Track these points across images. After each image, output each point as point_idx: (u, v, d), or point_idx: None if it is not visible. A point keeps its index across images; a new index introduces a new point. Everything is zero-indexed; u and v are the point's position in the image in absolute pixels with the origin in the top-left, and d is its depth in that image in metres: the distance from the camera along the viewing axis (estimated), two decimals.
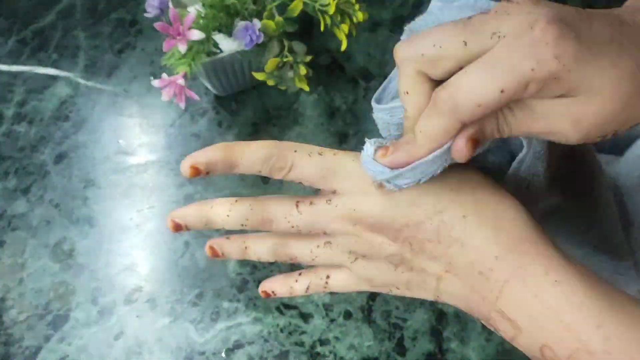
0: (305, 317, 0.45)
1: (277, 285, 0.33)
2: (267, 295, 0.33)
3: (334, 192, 0.29)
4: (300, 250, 0.31)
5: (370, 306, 0.45)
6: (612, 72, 0.22)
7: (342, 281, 0.31)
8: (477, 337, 0.43)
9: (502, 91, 0.22)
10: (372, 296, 0.46)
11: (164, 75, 0.44)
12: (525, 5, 0.22)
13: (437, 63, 0.24)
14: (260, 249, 0.31)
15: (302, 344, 0.44)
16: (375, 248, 0.29)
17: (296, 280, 0.33)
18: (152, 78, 0.44)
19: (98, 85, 0.57)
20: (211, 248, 0.32)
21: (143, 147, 0.54)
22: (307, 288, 0.32)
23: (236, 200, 0.30)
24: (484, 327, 0.43)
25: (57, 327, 0.46)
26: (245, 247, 0.31)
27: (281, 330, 0.45)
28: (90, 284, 0.48)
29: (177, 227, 0.30)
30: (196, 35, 0.43)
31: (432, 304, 0.44)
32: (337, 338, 0.44)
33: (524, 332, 0.26)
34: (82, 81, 0.57)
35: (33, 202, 0.52)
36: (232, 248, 0.32)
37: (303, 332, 0.45)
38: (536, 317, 0.25)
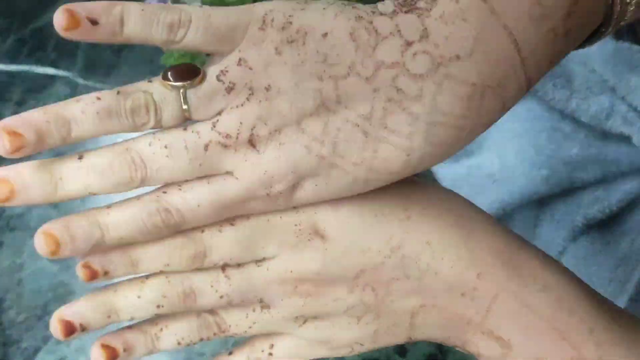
0: None
1: None
2: None
3: (261, 259, 0.24)
4: (233, 318, 0.24)
5: None
6: None
7: (291, 349, 0.25)
8: None
9: None
10: None
11: None
12: None
13: None
14: (181, 328, 0.24)
15: None
16: (329, 306, 0.24)
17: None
18: (151, 77, 0.44)
19: (97, 84, 0.57)
20: (107, 348, 0.23)
21: None
22: None
23: (147, 277, 0.24)
24: None
25: None
26: (161, 329, 0.24)
27: None
28: (89, 285, 0.47)
29: (70, 330, 0.23)
30: None
31: None
32: None
33: (516, 349, 0.23)
34: (80, 81, 0.57)
35: None
36: (140, 338, 0.24)
37: None
38: (529, 330, 0.23)
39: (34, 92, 0.56)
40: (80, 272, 0.23)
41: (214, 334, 0.25)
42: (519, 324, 0.23)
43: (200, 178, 0.23)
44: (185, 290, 0.23)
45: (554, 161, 0.42)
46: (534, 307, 0.23)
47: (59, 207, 0.51)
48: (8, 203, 0.21)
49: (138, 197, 0.23)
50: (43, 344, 0.45)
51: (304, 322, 0.24)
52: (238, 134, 0.22)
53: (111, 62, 0.57)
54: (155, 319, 0.25)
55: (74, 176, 0.22)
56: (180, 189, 0.22)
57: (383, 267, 0.23)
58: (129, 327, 0.24)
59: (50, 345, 0.45)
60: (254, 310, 0.24)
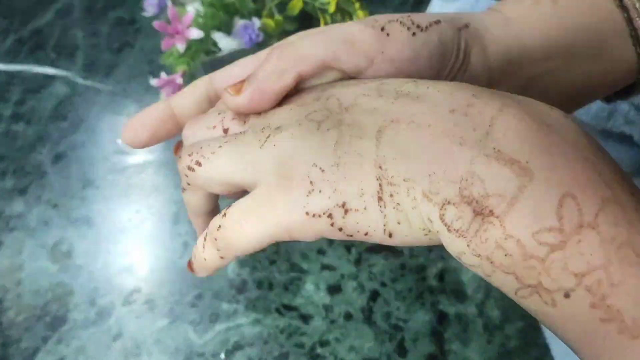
0: (305, 318, 0.45)
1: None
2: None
3: None
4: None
5: (371, 307, 0.45)
6: None
7: (244, 205, 0.22)
8: (479, 338, 0.43)
9: None
10: (373, 297, 0.45)
11: (163, 74, 0.43)
12: None
13: None
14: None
15: (302, 346, 0.44)
16: (294, 111, 0.22)
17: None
18: (150, 77, 0.44)
19: (96, 84, 0.57)
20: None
21: None
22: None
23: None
24: (485, 328, 0.43)
25: (55, 329, 0.46)
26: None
27: (281, 332, 0.45)
28: (89, 285, 0.47)
29: None
30: (195, 34, 0.43)
31: (434, 304, 0.44)
32: (337, 339, 0.44)
33: (537, 176, 0.17)
34: (80, 80, 0.57)
35: (31, 202, 0.51)
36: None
37: (303, 334, 0.44)
38: (553, 153, 0.17)
39: (34, 92, 0.56)
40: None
41: (214, 127, 0.25)
42: (539, 143, 0.18)
43: None
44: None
45: None
46: (557, 127, 0.18)
47: (59, 208, 0.51)
48: None
49: None
50: (43, 344, 0.45)
51: (266, 138, 0.21)
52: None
53: (110, 62, 0.57)
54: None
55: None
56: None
57: (357, 87, 0.22)
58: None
59: (50, 345, 0.45)
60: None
